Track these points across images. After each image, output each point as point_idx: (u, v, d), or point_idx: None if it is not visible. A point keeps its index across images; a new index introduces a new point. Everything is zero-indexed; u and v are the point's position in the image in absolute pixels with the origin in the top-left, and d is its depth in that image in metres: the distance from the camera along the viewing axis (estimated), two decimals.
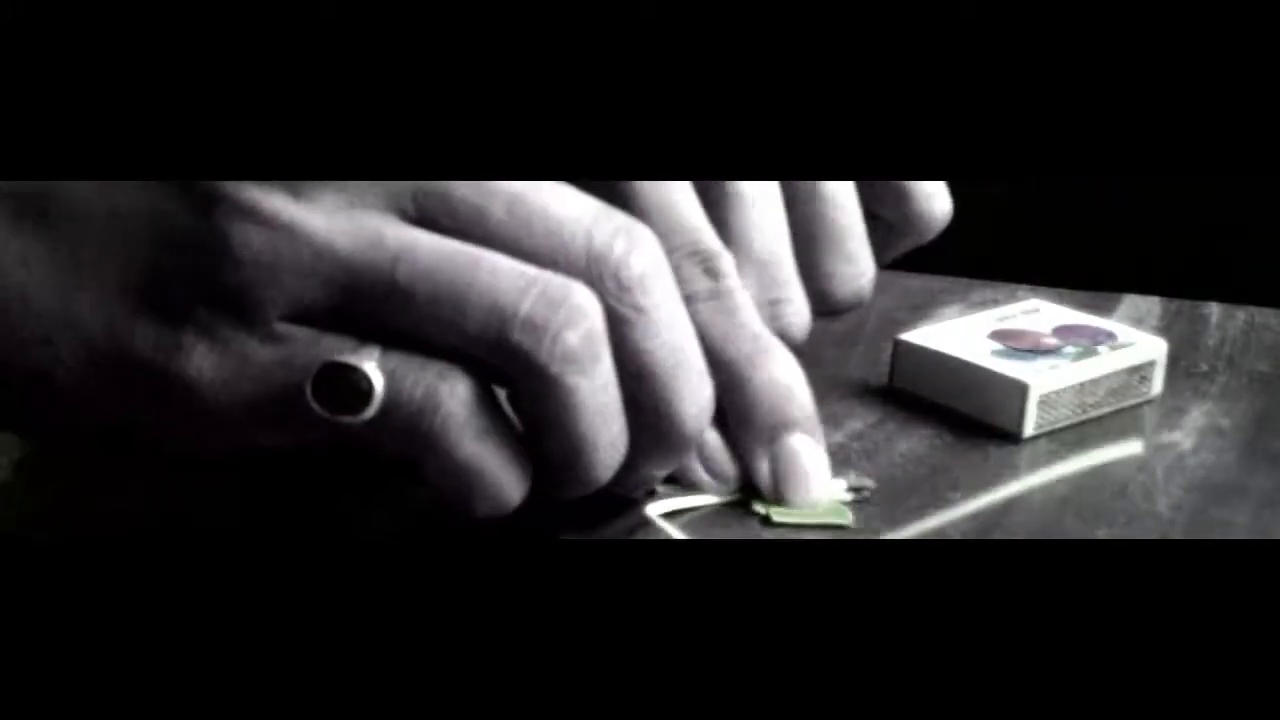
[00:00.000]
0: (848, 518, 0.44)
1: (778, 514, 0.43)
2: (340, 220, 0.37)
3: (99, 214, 0.38)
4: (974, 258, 0.61)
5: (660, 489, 0.44)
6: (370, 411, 0.37)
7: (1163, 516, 0.44)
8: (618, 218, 0.39)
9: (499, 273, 0.37)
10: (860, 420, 0.50)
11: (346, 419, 0.37)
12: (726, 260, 0.42)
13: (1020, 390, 0.48)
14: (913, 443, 0.48)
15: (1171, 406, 0.51)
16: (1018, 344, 0.50)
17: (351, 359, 0.37)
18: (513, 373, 0.38)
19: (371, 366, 0.37)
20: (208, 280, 0.37)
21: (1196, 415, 0.50)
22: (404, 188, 0.38)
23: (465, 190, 0.38)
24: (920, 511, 0.45)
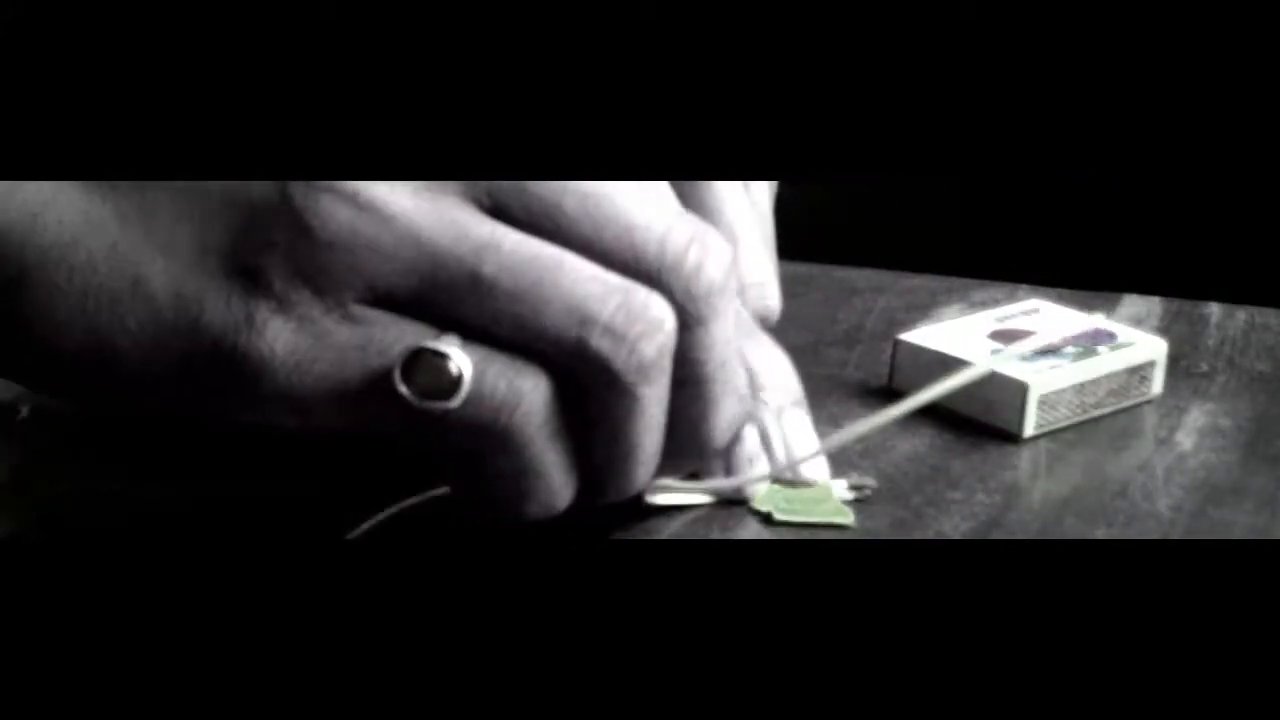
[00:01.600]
0: (849, 518, 0.44)
1: (780, 513, 0.43)
2: (425, 205, 0.37)
3: (173, 183, 0.37)
4: (974, 258, 0.61)
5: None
6: (457, 400, 0.37)
7: (1163, 516, 0.44)
8: (693, 225, 0.39)
9: (582, 276, 0.37)
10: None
11: (433, 405, 0.37)
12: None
13: (1020, 390, 0.48)
14: (913, 443, 0.48)
15: (1171, 406, 0.51)
16: (1018, 344, 0.50)
17: (441, 346, 0.37)
18: (586, 377, 0.38)
19: (461, 355, 0.37)
20: (286, 255, 0.36)
21: (1196, 415, 0.50)
22: (478, 183, 0.37)
23: (540, 187, 0.38)
24: (920, 511, 0.45)
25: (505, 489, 0.39)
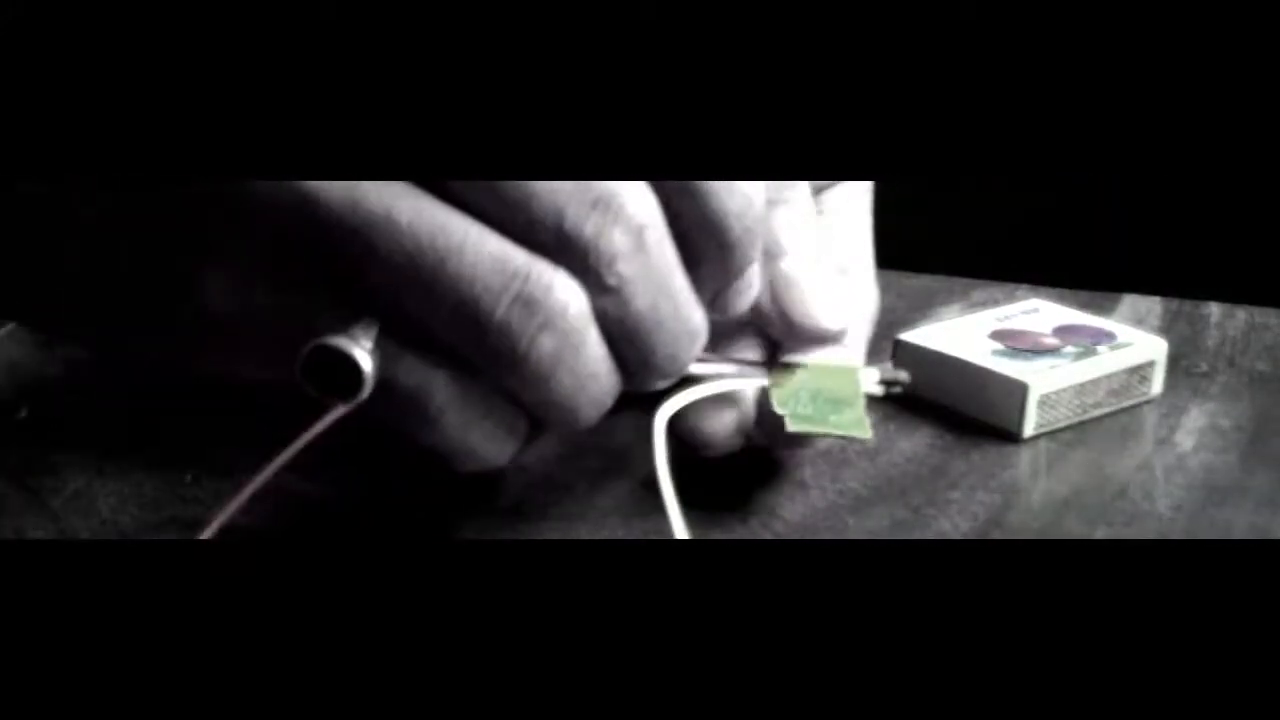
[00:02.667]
0: (867, 433, 0.43)
1: (795, 421, 0.42)
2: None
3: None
4: (974, 258, 0.61)
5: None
6: (360, 398, 0.37)
7: (1163, 516, 0.44)
8: (593, 191, 0.37)
9: (482, 258, 0.36)
10: None
11: (334, 402, 0.37)
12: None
13: (1020, 390, 0.48)
14: (913, 443, 0.48)
15: (1171, 406, 0.51)
16: (1018, 344, 0.50)
17: (341, 342, 0.36)
18: (490, 370, 0.38)
19: (361, 353, 0.36)
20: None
21: (1196, 415, 0.50)
22: None
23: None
24: (920, 511, 0.45)
25: (441, 452, 0.39)
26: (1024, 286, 0.58)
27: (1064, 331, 0.51)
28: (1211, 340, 0.56)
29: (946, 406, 0.50)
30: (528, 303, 0.37)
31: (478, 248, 0.37)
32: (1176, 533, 0.44)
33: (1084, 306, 0.54)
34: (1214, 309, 0.59)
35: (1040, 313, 0.53)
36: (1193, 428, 0.50)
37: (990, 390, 0.49)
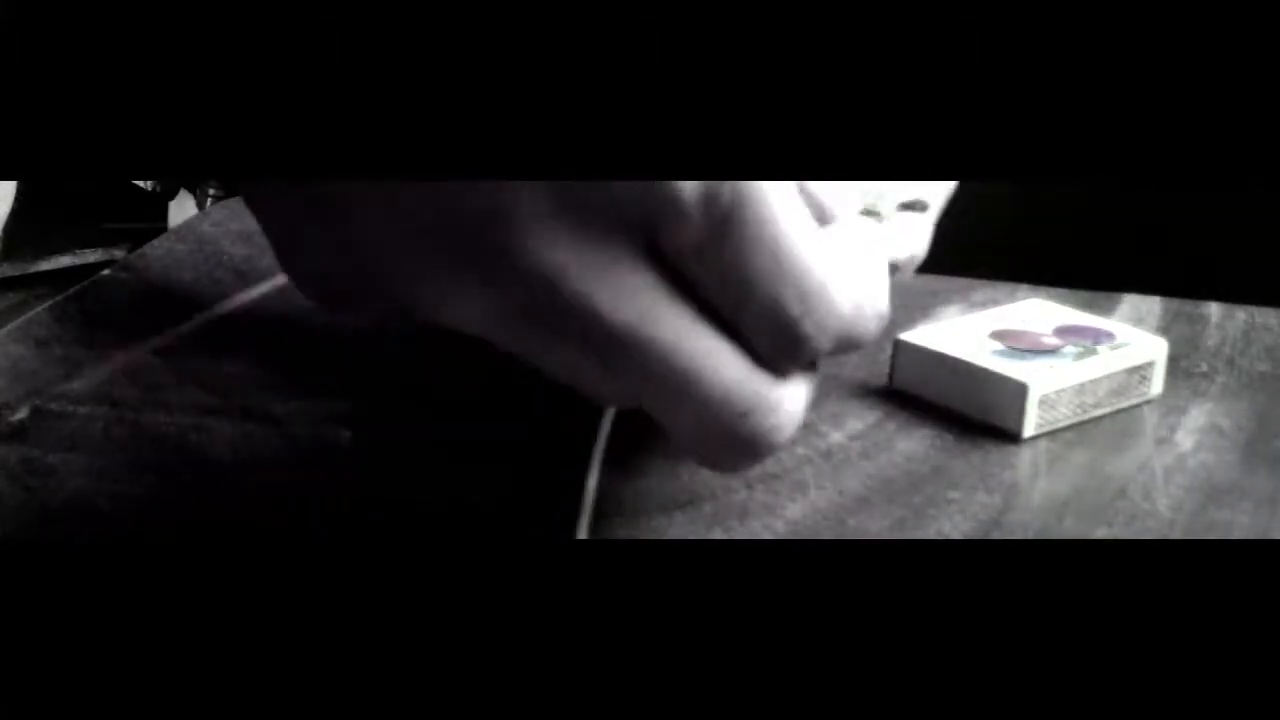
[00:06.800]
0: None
1: None
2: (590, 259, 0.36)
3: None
4: (974, 258, 0.61)
5: None
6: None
7: (1163, 516, 0.44)
8: (804, 283, 0.37)
9: (717, 388, 0.37)
10: (860, 420, 0.50)
11: None
12: None
13: (1020, 390, 0.48)
14: (913, 443, 0.48)
15: (1171, 406, 0.51)
16: (1018, 344, 0.50)
17: None
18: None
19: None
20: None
21: (1196, 415, 0.50)
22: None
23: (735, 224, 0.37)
24: (920, 511, 0.45)
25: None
26: (1024, 286, 0.58)
27: (1064, 331, 0.51)
28: (1211, 340, 0.56)
29: (946, 406, 0.50)
30: (763, 429, 0.37)
31: (718, 374, 0.37)
32: (1176, 533, 0.44)
33: (1084, 306, 0.54)
34: (1214, 309, 0.59)
35: (1040, 313, 0.53)
36: (1193, 428, 0.50)
37: (990, 390, 0.49)
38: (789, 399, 0.38)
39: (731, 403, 0.37)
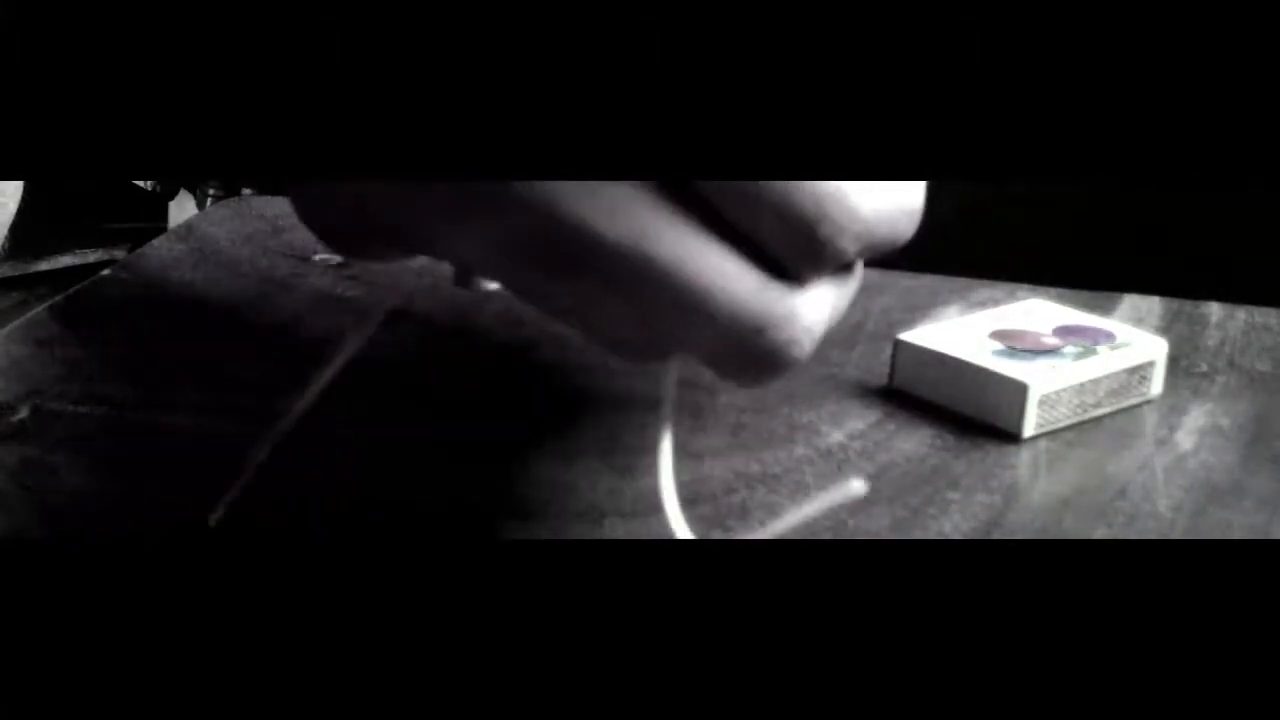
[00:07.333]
0: None
1: None
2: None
3: None
4: (974, 258, 0.61)
5: None
6: None
7: (1163, 516, 0.45)
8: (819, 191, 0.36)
9: (731, 303, 0.35)
10: (860, 420, 0.50)
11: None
12: None
13: (1020, 390, 0.48)
14: (913, 443, 0.48)
15: (1171, 406, 0.51)
16: (1018, 344, 0.50)
17: None
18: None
19: None
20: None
21: (1196, 415, 0.50)
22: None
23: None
24: (920, 511, 0.45)
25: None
26: (1024, 286, 0.58)
27: (1064, 331, 0.51)
28: (1211, 340, 0.56)
29: (946, 406, 0.50)
30: (781, 340, 0.36)
31: (728, 287, 0.35)
32: (1176, 533, 0.44)
33: (1084, 306, 0.54)
34: (1214, 309, 0.59)
35: (1040, 313, 0.53)
36: (1193, 428, 0.50)
37: (990, 390, 0.49)
38: (807, 312, 0.36)
39: (742, 319, 0.35)
